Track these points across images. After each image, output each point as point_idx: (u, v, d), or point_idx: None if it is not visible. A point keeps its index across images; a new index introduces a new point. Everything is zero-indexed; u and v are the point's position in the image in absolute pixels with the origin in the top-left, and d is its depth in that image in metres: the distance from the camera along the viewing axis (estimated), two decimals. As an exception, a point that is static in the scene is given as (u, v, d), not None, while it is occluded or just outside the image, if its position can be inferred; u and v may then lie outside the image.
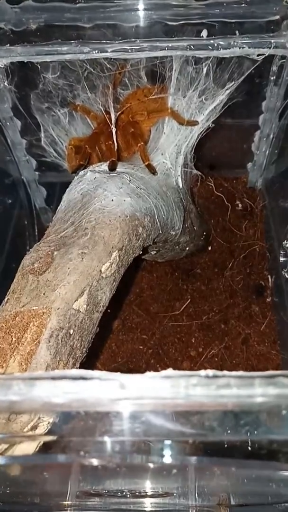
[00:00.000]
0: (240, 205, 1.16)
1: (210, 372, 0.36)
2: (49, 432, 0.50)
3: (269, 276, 1.09)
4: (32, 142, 1.11)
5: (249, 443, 0.39)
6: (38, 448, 0.54)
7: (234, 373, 0.36)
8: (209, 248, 1.15)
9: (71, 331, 0.64)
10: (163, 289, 1.13)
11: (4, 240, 1.19)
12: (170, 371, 0.37)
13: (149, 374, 0.37)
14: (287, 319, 1.00)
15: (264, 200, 1.14)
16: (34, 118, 1.04)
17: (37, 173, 1.17)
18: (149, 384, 0.35)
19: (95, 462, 0.39)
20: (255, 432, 0.35)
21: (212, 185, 1.16)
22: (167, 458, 0.42)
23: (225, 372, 0.36)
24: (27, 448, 0.55)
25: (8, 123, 1.04)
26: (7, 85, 0.95)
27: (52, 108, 1.02)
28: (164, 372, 0.37)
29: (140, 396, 0.34)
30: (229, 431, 0.35)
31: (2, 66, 0.83)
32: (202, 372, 0.36)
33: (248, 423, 0.35)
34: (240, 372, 0.36)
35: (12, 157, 1.14)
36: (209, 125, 0.92)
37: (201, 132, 0.94)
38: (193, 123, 0.88)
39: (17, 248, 1.22)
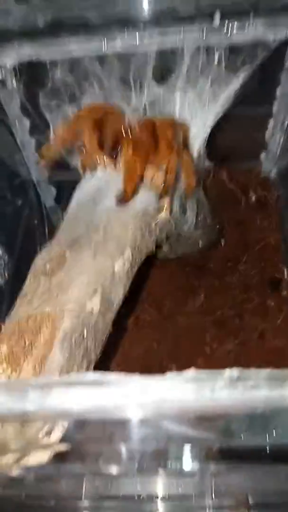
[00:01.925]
0: (253, 197, 1.13)
1: (235, 372, 0.35)
2: (64, 439, 0.49)
3: (284, 269, 1.07)
4: (41, 141, 1.10)
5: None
6: (52, 454, 0.53)
7: (262, 371, 0.34)
8: (222, 241, 1.13)
9: (85, 333, 0.63)
10: (175, 285, 1.12)
11: (14, 240, 1.18)
12: (192, 372, 0.35)
13: (170, 375, 0.35)
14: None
15: (279, 190, 1.12)
16: (42, 116, 1.03)
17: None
18: (171, 386, 0.33)
19: (112, 470, 0.38)
20: (282, 437, 0.34)
21: (225, 177, 1.13)
22: (187, 465, 0.41)
23: (252, 371, 0.34)
24: (41, 455, 0.54)
25: (17, 123, 1.03)
26: (15, 84, 0.94)
27: (61, 105, 1.01)
28: (185, 373, 0.35)
29: (161, 400, 0.33)
30: (256, 436, 0.34)
31: (9, 67, 0.81)
32: (227, 372, 0.35)
33: (278, 426, 0.34)
34: (267, 370, 0.35)
35: (22, 157, 1.13)
36: (221, 115, 0.90)
37: (213, 124, 0.91)
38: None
39: (27, 248, 1.22)
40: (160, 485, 0.70)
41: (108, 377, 0.35)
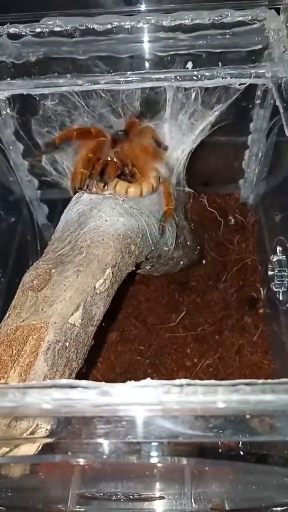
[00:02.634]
0: (232, 220, 1.21)
1: (184, 381, 0.41)
2: (47, 436, 0.55)
3: (261, 289, 1.13)
4: (33, 163, 1.18)
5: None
6: (37, 451, 0.58)
7: (203, 382, 0.40)
8: (204, 261, 1.20)
9: (67, 344, 0.69)
10: (159, 301, 1.18)
11: (8, 256, 1.24)
12: (148, 381, 0.41)
13: (131, 383, 0.41)
14: (278, 330, 1.04)
15: (256, 215, 1.19)
16: (35, 141, 1.10)
17: (39, 191, 1.23)
18: (129, 391, 0.39)
19: (86, 461, 0.43)
20: (223, 434, 0.40)
21: (205, 201, 1.21)
22: (155, 459, 0.46)
23: (196, 381, 0.40)
24: (29, 449, 0.60)
25: (11, 147, 1.11)
26: (9, 112, 1.02)
27: (51, 132, 1.08)
28: (143, 382, 0.41)
29: (120, 403, 0.39)
30: (199, 434, 0.40)
31: (3, 98, 0.89)
32: (177, 382, 0.41)
33: (216, 426, 0.40)
34: (211, 381, 0.41)
35: (15, 178, 1.20)
36: (197, 144, 0.98)
37: (191, 151, 0.99)
38: (166, 148, 0.92)
39: (20, 263, 1.28)
40: (138, 485, 0.75)
41: (77, 382, 0.41)
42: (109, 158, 0.83)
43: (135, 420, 0.40)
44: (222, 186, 1.25)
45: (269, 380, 0.41)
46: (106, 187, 0.84)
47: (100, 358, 1.12)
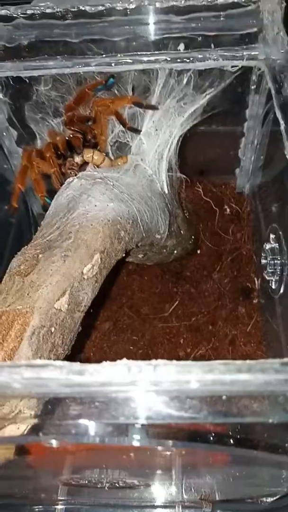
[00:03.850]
0: (228, 210, 1.19)
1: (160, 361, 0.40)
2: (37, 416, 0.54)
3: (255, 279, 1.12)
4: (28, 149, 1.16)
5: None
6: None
7: (178, 362, 0.39)
8: (198, 251, 1.19)
9: (52, 329, 0.68)
10: (153, 291, 1.17)
11: (4, 245, 1.23)
12: (124, 361, 0.40)
13: (105, 363, 0.40)
14: (272, 320, 1.03)
15: (251, 205, 1.18)
16: (29, 127, 1.09)
17: (33, 180, 1.22)
18: (102, 371, 0.38)
19: (59, 443, 0.43)
20: (198, 415, 0.39)
21: (201, 190, 1.19)
22: (135, 441, 0.45)
23: (171, 362, 0.39)
24: (16, 429, 0.59)
25: (4, 133, 1.10)
26: (1, 97, 1.01)
27: (45, 118, 1.07)
28: (118, 362, 0.40)
29: (94, 382, 0.38)
30: (175, 414, 0.39)
31: (-7, 82, 0.88)
32: (152, 362, 0.40)
33: (191, 407, 0.39)
34: (187, 362, 0.40)
35: (9, 165, 1.19)
36: (188, 127, 0.97)
37: (181, 135, 0.98)
38: (153, 107, 0.92)
39: (15, 252, 1.27)
40: (126, 474, 0.74)
41: (51, 362, 0.40)
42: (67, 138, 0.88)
43: (109, 400, 0.39)
44: (218, 175, 1.24)
45: (247, 361, 0.40)
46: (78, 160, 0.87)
47: (93, 347, 1.12)
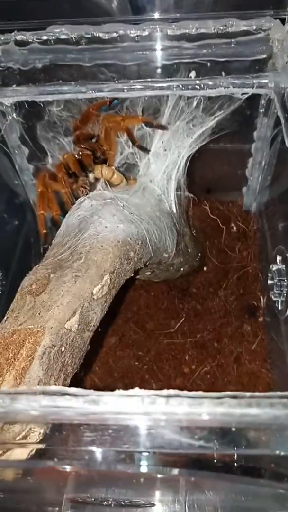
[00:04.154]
0: (234, 228, 1.21)
1: (172, 391, 0.41)
2: (39, 442, 0.55)
3: (261, 297, 1.13)
4: (39, 166, 1.19)
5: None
6: (29, 456, 0.59)
7: (191, 393, 0.41)
8: (205, 268, 1.20)
9: (63, 349, 0.70)
10: (159, 307, 1.18)
11: (11, 258, 1.26)
12: (136, 390, 0.42)
13: (118, 392, 0.42)
14: (277, 339, 1.04)
15: (258, 223, 1.19)
16: (40, 145, 1.12)
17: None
18: (116, 401, 0.40)
19: (73, 468, 0.44)
20: (208, 445, 0.40)
21: (208, 208, 1.21)
22: (144, 468, 0.47)
23: (184, 392, 0.41)
24: (19, 455, 0.60)
25: (16, 151, 1.12)
26: (15, 117, 1.03)
27: (56, 136, 1.10)
28: (131, 391, 0.42)
29: (108, 411, 0.40)
30: (185, 444, 0.40)
31: (9, 105, 0.90)
32: (164, 392, 0.41)
33: (201, 438, 0.40)
34: (198, 392, 0.41)
35: (20, 181, 1.22)
36: (196, 149, 0.99)
37: (190, 156, 1.00)
38: (162, 127, 0.94)
39: (23, 266, 1.29)
40: (132, 493, 0.75)
41: (66, 389, 0.41)
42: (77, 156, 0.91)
43: (121, 429, 0.41)
44: (225, 193, 1.26)
45: (256, 394, 0.41)
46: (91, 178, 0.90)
47: (98, 362, 1.13)
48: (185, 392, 0.41)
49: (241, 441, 0.41)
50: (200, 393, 0.41)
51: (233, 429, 0.40)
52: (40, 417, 0.40)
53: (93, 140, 0.93)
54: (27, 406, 0.39)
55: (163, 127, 0.95)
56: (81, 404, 0.39)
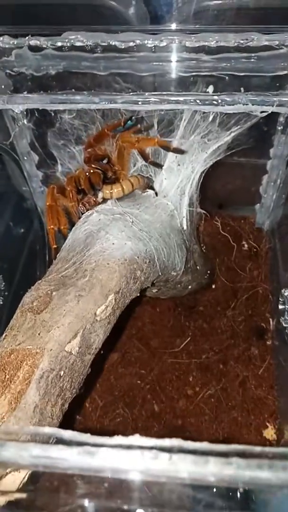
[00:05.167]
0: (246, 246, 1.17)
1: (175, 442, 0.38)
2: (20, 489, 0.51)
3: (270, 319, 1.09)
4: (48, 174, 1.17)
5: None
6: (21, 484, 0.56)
7: (196, 446, 0.37)
8: (213, 286, 1.16)
9: (62, 373, 0.66)
10: (164, 324, 1.15)
11: (16, 266, 1.23)
12: (136, 438, 0.38)
13: (118, 439, 0.38)
14: (286, 365, 1.00)
15: (270, 242, 1.15)
16: (50, 153, 1.09)
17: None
18: (114, 454, 0.36)
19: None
20: (212, 508, 0.36)
21: (219, 224, 1.17)
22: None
23: (187, 444, 0.37)
24: (10, 484, 0.57)
25: (25, 157, 1.10)
26: (25, 123, 1.01)
27: (67, 144, 1.07)
28: (131, 439, 0.38)
29: (105, 467, 0.36)
30: (186, 505, 0.36)
31: (19, 112, 0.88)
32: (166, 442, 0.38)
33: (205, 498, 0.36)
34: (204, 444, 0.37)
35: (28, 188, 1.19)
36: (210, 163, 0.95)
37: (204, 171, 0.96)
38: (180, 151, 0.90)
39: (27, 274, 1.27)
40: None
41: (61, 433, 0.38)
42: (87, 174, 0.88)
43: (118, 483, 0.37)
44: (238, 209, 1.22)
45: (267, 449, 0.37)
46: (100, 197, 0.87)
47: (99, 379, 1.09)
48: (189, 444, 0.37)
49: (249, 503, 0.37)
50: (206, 445, 0.37)
51: (240, 489, 0.37)
52: (30, 467, 0.36)
53: (104, 161, 0.89)
54: (15, 455, 0.36)
55: (180, 151, 0.91)
56: (75, 457, 0.35)
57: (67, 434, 0.38)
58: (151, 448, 0.37)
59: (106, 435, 0.37)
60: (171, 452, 0.36)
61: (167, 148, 0.87)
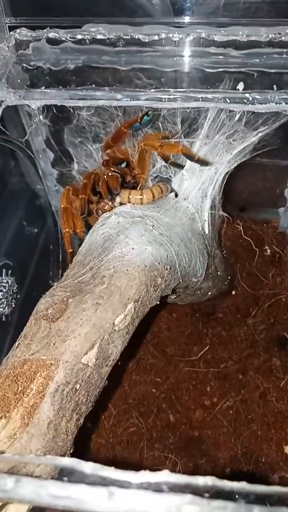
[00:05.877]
0: (268, 251, 1.12)
1: (209, 481, 0.33)
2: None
3: (293, 329, 1.04)
4: (63, 172, 1.13)
5: None
6: None
7: (234, 486, 0.33)
8: (233, 292, 1.11)
9: (78, 386, 0.62)
10: (181, 331, 1.10)
11: (28, 266, 1.20)
12: (166, 475, 0.34)
13: (144, 476, 0.34)
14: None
15: (294, 248, 1.10)
16: (66, 150, 1.05)
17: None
18: (139, 496, 0.32)
19: None
20: None
21: (241, 227, 1.12)
22: None
23: (224, 485, 0.33)
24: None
25: (40, 155, 1.06)
26: (42, 119, 0.97)
27: (84, 142, 1.03)
28: (159, 477, 0.34)
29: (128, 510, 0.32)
30: None
31: (35, 108, 0.84)
32: (200, 481, 0.33)
33: None
34: (243, 487, 0.33)
35: (43, 186, 1.16)
36: (235, 165, 0.90)
37: (228, 172, 0.91)
38: (204, 162, 0.86)
39: (40, 273, 1.23)
40: None
41: (82, 467, 0.34)
42: (105, 176, 0.84)
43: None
44: (260, 212, 1.17)
45: None
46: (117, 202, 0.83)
47: (113, 386, 1.05)
48: (225, 484, 0.33)
49: None
50: (246, 486, 0.33)
51: None
52: (48, 505, 0.32)
53: (123, 165, 0.85)
54: (32, 493, 0.32)
55: (205, 163, 0.86)
56: (97, 500, 0.31)
57: (88, 466, 0.34)
58: (185, 487, 0.33)
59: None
60: (208, 494, 0.32)
61: (191, 157, 0.82)
